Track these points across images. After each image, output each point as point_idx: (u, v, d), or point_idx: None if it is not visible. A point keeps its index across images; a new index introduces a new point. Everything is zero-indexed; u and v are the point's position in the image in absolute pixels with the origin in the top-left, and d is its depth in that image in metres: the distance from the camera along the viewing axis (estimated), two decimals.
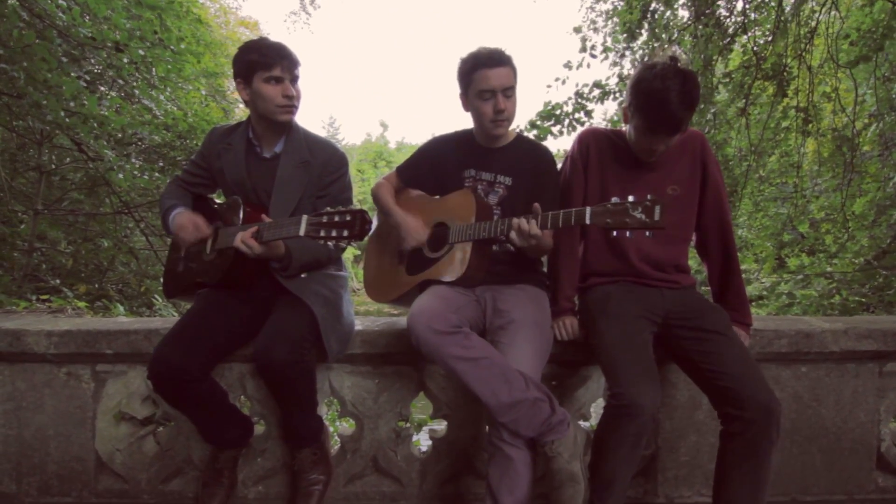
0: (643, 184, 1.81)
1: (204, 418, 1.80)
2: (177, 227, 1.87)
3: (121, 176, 4.34)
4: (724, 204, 1.86)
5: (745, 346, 1.68)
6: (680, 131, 1.65)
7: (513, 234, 1.60)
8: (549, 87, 6.09)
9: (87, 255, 5.89)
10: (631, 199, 1.43)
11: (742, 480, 1.54)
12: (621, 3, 6.22)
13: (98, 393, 1.98)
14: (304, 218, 1.55)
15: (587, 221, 1.49)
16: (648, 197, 1.41)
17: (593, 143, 1.87)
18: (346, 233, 1.50)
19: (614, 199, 1.46)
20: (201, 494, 1.86)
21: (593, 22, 6.30)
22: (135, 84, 5.02)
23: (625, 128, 1.83)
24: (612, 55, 6.24)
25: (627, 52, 6.09)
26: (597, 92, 6.02)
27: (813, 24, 5.33)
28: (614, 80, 6.08)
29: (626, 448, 1.54)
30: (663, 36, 5.95)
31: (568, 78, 6.64)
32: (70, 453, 1.97)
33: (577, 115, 6.02)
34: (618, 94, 6.05)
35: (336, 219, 1.51)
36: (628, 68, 6.10)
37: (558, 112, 5.93)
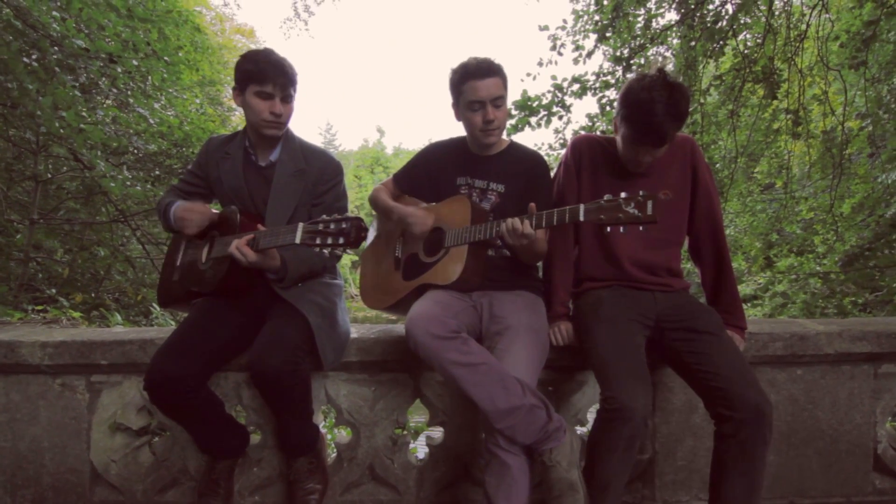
0: (635, 188, 1.82)
1: (200, 428, 1.79)
2: (181, 212, 1.87)
3: (112, 185, 4.34)
4: (716, 208, 1.88)
5: (737, 347, 1.69)
6: (665, 143, 1.67)
7: (503, 232, 1.61)
8: (521, 80, 6.31)
9: (83, 265, 5.88)
10: (623, 194, 1.44)
11: (736, 481, 1.54)
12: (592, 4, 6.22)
13: (93, 404, 1.98)
14: (300, 226, 1.55)
15: (581, 219, 1.49)
16: (641, 192, 1.43)
17: (586, 150, 1.90)
18: (341, 240, 1.50)
19: (607, 196, 1.47)
20: None
21: (564, 21, 6.28)
22: (129, 93, 5.02)
23: (616, 138, 1.85)
24: (583, 52, 6.26)
25: (598, 50, 6.10)
26: (576, 87, 6.03)
27: (803, 26, 5.37)
28: (592, 76, 6.11)
29: (620, 452, 1.54)
30: (645, 32, 5.96)
31: (539, 74, 6.69)
32: (65, 465, 1.96)
33: (553, 109, 6.03)
34: (597, 90, 6.08)
35: (332, 227, 1.51)
36: (607, 66, 6.13)
37: (535, 104, 5.95)
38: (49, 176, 5.43)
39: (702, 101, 5.88)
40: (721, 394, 1.54)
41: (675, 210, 1.85)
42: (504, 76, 1.83)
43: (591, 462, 1.61)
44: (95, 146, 4.21)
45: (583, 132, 6.33)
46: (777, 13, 5.45)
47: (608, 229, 1.48)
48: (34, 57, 3.85)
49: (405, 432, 2.05)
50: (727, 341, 1.66)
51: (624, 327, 1.69)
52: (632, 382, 1.52)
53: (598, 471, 1.58)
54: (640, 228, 1.45)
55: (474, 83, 1.78)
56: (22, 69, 3.50)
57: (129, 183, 4.53)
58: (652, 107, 1.58)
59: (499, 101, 1.80)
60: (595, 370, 1.65)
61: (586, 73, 6.05)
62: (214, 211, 1.93)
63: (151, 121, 4.92)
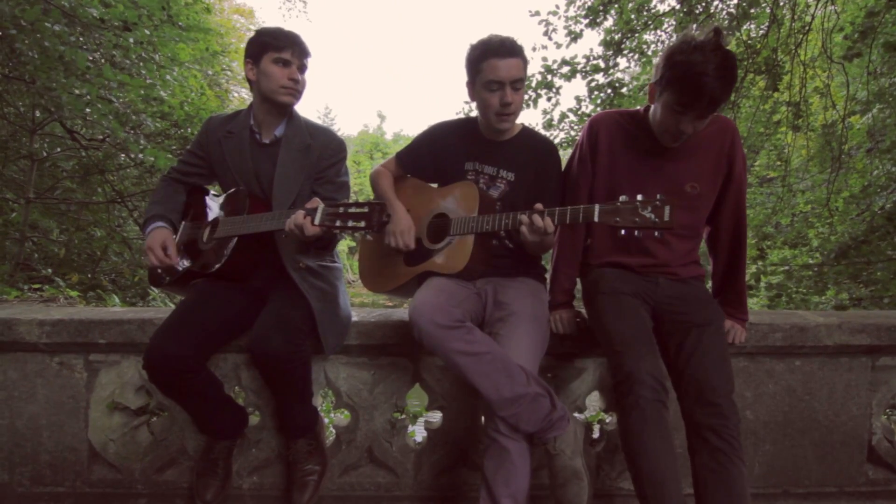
0: (660, 176, 1.71)
1: (199, 409, 1.79)
2: (146, 248, 1.83)
3: (140, 155, 4.29)
4: (744, 204, 1.77)
5: (722, 347, 1.62)
6: (713, 112, 1.52)
7: (524, 230, 1.55)
8: None
9: (79, 245, 5.85)
10: (640, 197, 1.37)
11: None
12: None
13: (91, 383, 1.97)
14: (320, 207, 1.57)
15: (595, 219, 1.43)
16: (658, 196, 1.35)
17: (603, 130, 1.76)
18: (363, 223, 1.52)
19: (623, 198, 1.39)
20: (196, 485, 1.85)
21: (556, 7, 6.25)
22: (142, 64, 4.95)
23: (649, 108, 1.71)
24: (571, 37, 6.25)
25: (588, 33, 6.12)
26: (565, 69, 6.07)
27: (808, 18, 5.32)
28: (582, 59, 6.18)
29: (652, 426, 1.43)
30: (640, 16, 5.95)
31: (532, 59, 6.74)
32: (63, 443, 1.96)
33: (540, 91, 6.16)
34: (586, 74, 6.14)
35: (352, 210, 1.52)
36: (598, 50, 6.13)
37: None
38: (45, 155, 5.38)
39: None
40: (687, 397, 1.54)
41: (700, 205, 1.73)
42: (525, 59, 1.73)
43: (633, 461, 1.47)
44: (107, 115, 4.15)
45: (569, 112, 6.38)
46: (781, 4, 5.41)
47: (622, 232, 1.39)
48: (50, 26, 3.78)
49: (404, 416, 2.05)
50: (717, 340, 1.62)
51: (626, 298, 1.68)
52: (637, 346, 1.50)
53: (643, 466, 1.44)
54: (656, 234, 1.39)
55: (495, 62, 1.67)
56: (50, 34, 3.43)
57: (148, 151, 4.48)
58: (704, 68, 1.41)
59: (518, 83, 1.70)
60: (602, 342, 1.64)
61: (576, 56, 6.11)
62: (181, 262, 1.88)
63: (163, 93, 4.87)
